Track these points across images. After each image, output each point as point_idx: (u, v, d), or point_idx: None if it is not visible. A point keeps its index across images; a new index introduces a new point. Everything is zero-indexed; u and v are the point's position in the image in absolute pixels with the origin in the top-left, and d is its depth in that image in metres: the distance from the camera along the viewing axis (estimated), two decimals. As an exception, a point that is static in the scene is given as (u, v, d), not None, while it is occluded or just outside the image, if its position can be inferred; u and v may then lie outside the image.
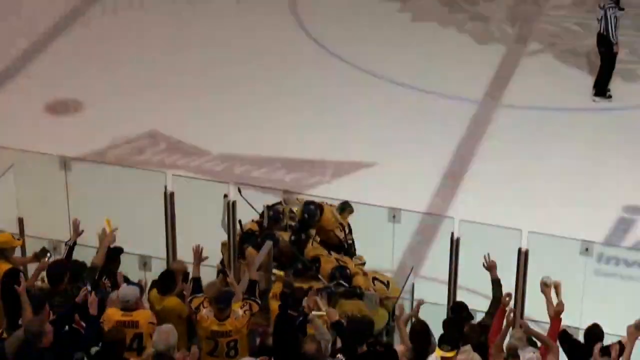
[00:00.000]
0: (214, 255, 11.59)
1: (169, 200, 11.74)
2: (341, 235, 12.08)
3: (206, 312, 9.99)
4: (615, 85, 16.46)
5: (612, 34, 15.88)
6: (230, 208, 11.67)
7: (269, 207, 12.23)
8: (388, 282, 11.68)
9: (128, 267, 11.20)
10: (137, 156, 14.99)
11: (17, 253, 11.43)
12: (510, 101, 16.21)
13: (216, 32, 17.69)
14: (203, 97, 16.17)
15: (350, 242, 12.21)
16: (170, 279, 10.73)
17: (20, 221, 12.02)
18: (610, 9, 15.86)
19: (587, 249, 11.48)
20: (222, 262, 11.90)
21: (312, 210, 11.90)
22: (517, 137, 15.48)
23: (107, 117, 15.69)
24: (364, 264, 11.96)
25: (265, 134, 15.08)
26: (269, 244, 11.75)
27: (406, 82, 16.48)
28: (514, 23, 17.91)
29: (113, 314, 9.88)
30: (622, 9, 16.07)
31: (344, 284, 11.31)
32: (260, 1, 18.46)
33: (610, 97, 16.18)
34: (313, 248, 11.95)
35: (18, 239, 11.31)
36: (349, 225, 12.22)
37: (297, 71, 16.85)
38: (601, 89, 16.29)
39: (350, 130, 15.45)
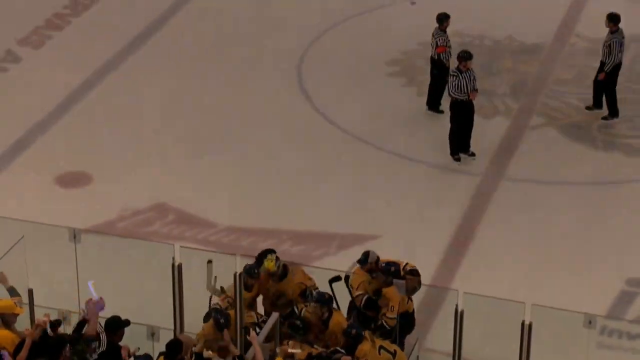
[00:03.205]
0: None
1: (177, 271, 11.80)
2: None
3: None
4: (617, 158, 16.58)
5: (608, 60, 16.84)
6: (238, 280, 11.77)
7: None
8: (395, 352, 11.62)
9: (136, 337, 11.25)
10: (145, 228, 15.00)
11: (25, 322, 11.52)
12: (513, 174, 16.25)
13: (222, 106, 17.81)
14: (210, 170, 16.24)
15: None
16: (178, 349, 10.85)
17: (30, 292, 12.00)
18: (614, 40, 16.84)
19: (590, 322, 11.48)
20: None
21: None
22: (520, 209, 15.49)
23: (116, 189, 15.74)
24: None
25: (272, 206, 15.16)
26: (275, 315, 11.85)
27: (412, 156, 16.53)
28: (518, 97, 17.96)
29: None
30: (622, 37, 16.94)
31: (341, 350, 11.26)
32: (268, 76, 18.60)
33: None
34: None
35: (21, 307, 11.33)
36: None
37: (303, 145, 16.91)
38: (613, 110, 17.13)
39: (356, 203, 15.49)
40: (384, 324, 12.00)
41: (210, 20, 20.31)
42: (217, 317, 11.41)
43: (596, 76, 17.24)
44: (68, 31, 19.90)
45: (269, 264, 12.32)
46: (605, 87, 17.29)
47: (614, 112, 17.43)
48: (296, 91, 18.17)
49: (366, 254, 12.38)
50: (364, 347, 11.42)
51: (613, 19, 17.05)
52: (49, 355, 10.60)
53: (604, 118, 17.42)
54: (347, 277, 12.46)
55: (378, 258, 12.36)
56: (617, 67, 17.16)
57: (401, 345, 11.96)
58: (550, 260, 14.45)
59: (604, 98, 17.27)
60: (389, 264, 12.25)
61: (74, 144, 16.82)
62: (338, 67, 18.83)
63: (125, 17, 20.32)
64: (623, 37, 17.07)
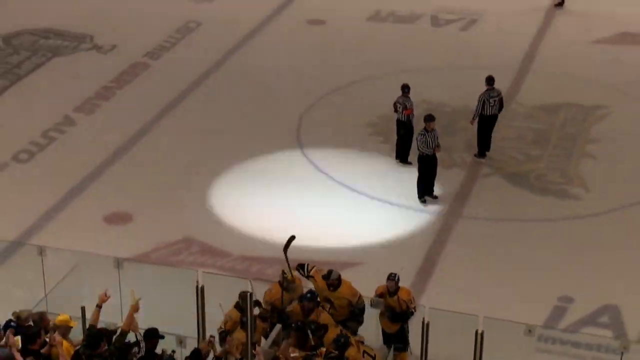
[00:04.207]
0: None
1: (200, 292, 11.77)
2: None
3: None
4: (551, 200, 16.55)
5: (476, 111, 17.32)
6: (249, 299, 11.71)
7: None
8: (374, 356, 11.58)
9: (168, 343, 11.19)
10: (174, 257, 14.95)
11: (78, 333, 11.49)
12: (468, 213, 16.23)
13: (230, 160, 17.76)
14: (225, 211, 16.19)
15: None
16: (199, 356, 10.86)
17: (83, 309, 11.95)
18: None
19: (530, 331, 11.50)
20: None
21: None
22: (475, 242, 15.47)
23: (151, 226, 15.72)
24: (363, 342, 11.82)
25: (274, 239, 14.88)
26: (278, 327, 11.77)
27: (387, 199, 16.47)
28: (471, 152, 17.92)
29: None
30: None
31: (334, 351, 11.13)
32: (274, 134, 18.59)
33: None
34: (324, 317, 11.81)
35: (73, 321, 11.29)
36: None
37: (298, 190, 16.84)
38: (481, 151, 17.54)
39: (341, 236, 15.41)
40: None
41: (227, 94, 20.39)
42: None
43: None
44: (113, 101, 19.94)
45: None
46: (479, 132, 17.49)
47: (481, 154, 17.64)
48: (294, 146, 18.16)
49: (330, 271, 12.25)
50: (351, 351, 11.36)
51: (487, 81, 17.38)
52: (90, 345, 10.52)
53: (475, 155, 17.63)
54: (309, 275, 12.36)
55: (339, 276, 12.22)
56: (485, 117, 17.37)
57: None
58: (498, 281, 14.43)
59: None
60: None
61: (118, 190, 16.81)
62: (329, 128, 18.86)
63: (154, 91, 20.36)
64: (492, 96, 17.28)
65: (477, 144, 17.72)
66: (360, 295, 12.21)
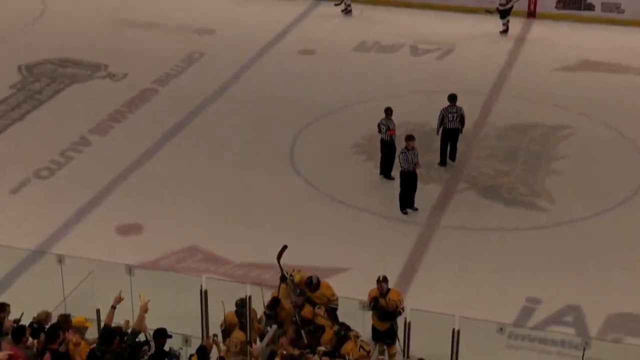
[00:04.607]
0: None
1: (203, 296, 11.81)
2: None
3: None
4: (519, 211, 16.57)
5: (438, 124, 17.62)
6: (248, 301, 11.71)
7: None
8: (369, 352, 11.57)
9: (175, 342, 11.17)
10: (180, 264, 14.93)
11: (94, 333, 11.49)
12: (446, 223, 16.24)
13: (230, 177, 17.76)
14: (227, 224, 16.18)
15: None
16: (204, 352, 10.86)
17: (98, 311, 12.01)
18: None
19: (501, 329, 11.51)
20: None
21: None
22: (452, 249, 15.48)
23: (160, 236, 15.68)
24: (359, 337, 11.76)
25: (270, 248, 14.92)
26: (274, 327, 11.76)
27: (373, 210, 16.48)
28: (448, 169, 17.96)
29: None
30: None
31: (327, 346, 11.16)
32: (269, 155, 18.58)
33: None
34: (321, 320, 11.83)
35: (89, 322, 11.31)
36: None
37: (291, 206, 16.84)
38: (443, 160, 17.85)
39: (332, 244, 15.40)
40: None
41: (227, 117, 20.40)
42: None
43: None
44: (125, 123, 19.93)
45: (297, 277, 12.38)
46: (441, 143, 17.81)
47: (442, 162, 17.85)
48: (288, 164, 18.16)
49: (310, 278, 12.38)
50: (348, 346, 11.32)
51: (449, 98, 17.70)
52: (104, 341, 10.50)
53: (438, 163, 17.90)
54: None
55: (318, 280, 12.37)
56: (446, 130, 17.68)
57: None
58: (473, 285, 14.43)
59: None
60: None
61: (129, 204, 16.78)
62: (319, 147, 18.87)
63: (161, 115, 20.39)
64: (452, 111, 17.55)
65: (440, 154, 17.87)
66: (337, 297, 12.29)
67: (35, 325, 10.98)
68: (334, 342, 11.48)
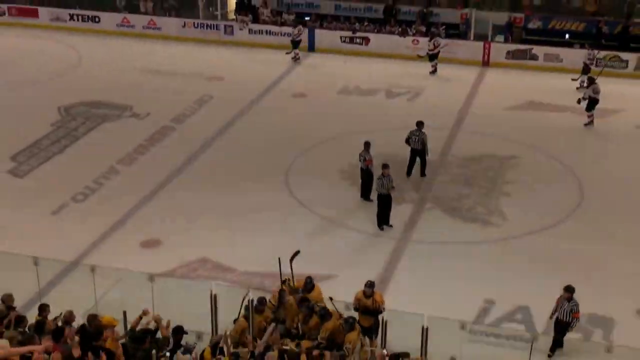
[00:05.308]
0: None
1: (213, 299, 11.77)
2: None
3: None
4: (477, 227, 16.49)
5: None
6: (250, 304, 11.64)
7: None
8: (363, 345, 11.45)
9: (190, 338, 11.17)
10: (193, 273, 14.84)
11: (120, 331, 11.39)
12: (417, 238, 16.20)
13: (236, 199, 17.64)
14: (232, 238, 16.09)
15: None
16: (216, 346, 10.81)
17: (124, 313, 11.94)
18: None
19: (463, 326, 11.47)
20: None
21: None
22: (421, 259, 15.41)
23: (176, 249, 15.57)
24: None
25: (269, 259, 14.81)
26: (272, 325, 11.67)
27: (354, 227, 16.44)
28: (417, 190, 17.98)
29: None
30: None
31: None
32: (267, 180, 18.48)
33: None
34: (331, 306, 11.69)
35: (116, 320, 11.24)
36: None
37: (287, 222, 16.72)
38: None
39: (319, 255, 15.25)
40: None
41: (234, 150, 20.37)
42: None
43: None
44: (147, 155, 19.88)
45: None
46: (409, 160, 18.11)
47: (409, 173, 18.18)
48: (284, 188, 18.07)
49: (306, 280, 12.34)
50: (352, 335, 11.14)
51: (416, 124, 18.04)
52: (137, 340, 10.44)
53: (407, 174, 18.15)
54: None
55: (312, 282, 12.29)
56: (412, 150, 18.09)
57: None
58: (439, 288, 14.38)
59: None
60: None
61: (151, 222, 16.69)
62: (310, 174, 18.78)
63: (178, 148, 20.34)
64: (415, 134, 17.99)
65: (407, 167, 18.23)
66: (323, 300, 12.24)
67: (62, 323, 10.93)
68: (335, 329, 11.23)
